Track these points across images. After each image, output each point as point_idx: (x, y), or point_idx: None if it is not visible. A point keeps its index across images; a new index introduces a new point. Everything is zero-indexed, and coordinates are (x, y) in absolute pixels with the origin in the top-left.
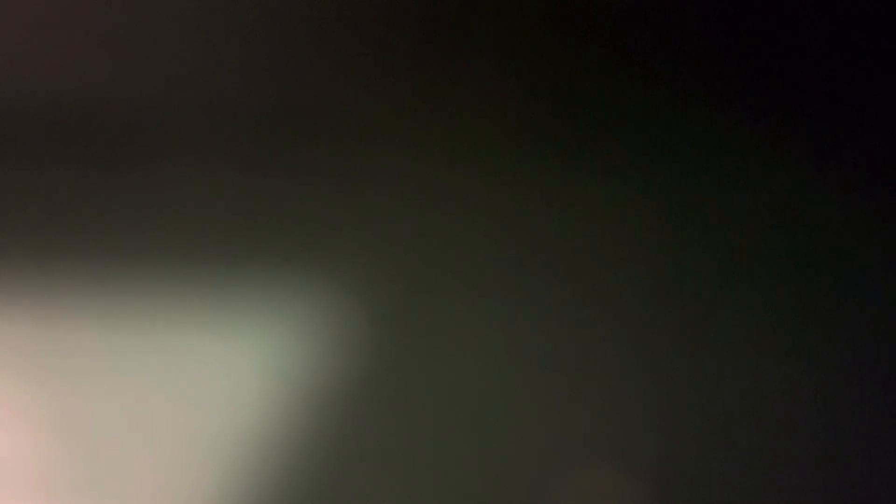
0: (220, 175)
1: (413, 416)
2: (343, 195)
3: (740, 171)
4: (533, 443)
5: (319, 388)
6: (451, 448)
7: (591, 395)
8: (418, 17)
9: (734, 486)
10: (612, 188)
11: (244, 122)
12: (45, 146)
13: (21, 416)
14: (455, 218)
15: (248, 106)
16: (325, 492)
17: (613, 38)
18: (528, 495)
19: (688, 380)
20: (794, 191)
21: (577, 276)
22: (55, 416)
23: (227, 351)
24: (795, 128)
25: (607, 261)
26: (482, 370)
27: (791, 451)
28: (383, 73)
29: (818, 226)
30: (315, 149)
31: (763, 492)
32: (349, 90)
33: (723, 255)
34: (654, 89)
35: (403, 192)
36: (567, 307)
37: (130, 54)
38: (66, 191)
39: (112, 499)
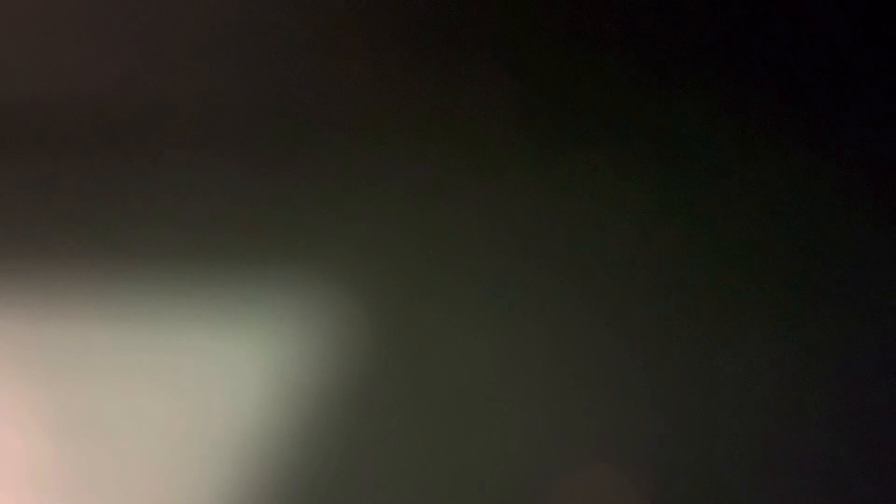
0: (220, 175)
1: (412, 416)
2: (343, 195)
3: (741, 169)
4: (532, 442)
5: (319, 387)
6: (450, 447)
7: (591, 394)
8: (418, 16)
9: (733, 485)
10: (612, 186)
11: (244, 122)
12: (45, 147)
13: (21, 416)
14: (455, 217)
15: (248, 106)
16: (325, 491)
17: (613, 36)
18: (527, 495)
19: (688, 378)
20: (795, 189)
21: (576, 274)
22: (55, 415)
23: (228, 350)
24: (795, 125)
25: (607, 259)
26: (482, 369)
27: (791, 450)
28: (383, 72)
29: (819, 224)
30: (315, 148)
31: (762, 492)
32: (350, 90)
33: (723, 254)
34: (654, 87)
35: (404, 192)
36: (567, 306)
37: (131, 55)
38: (67, 191)
39: (112, 499)
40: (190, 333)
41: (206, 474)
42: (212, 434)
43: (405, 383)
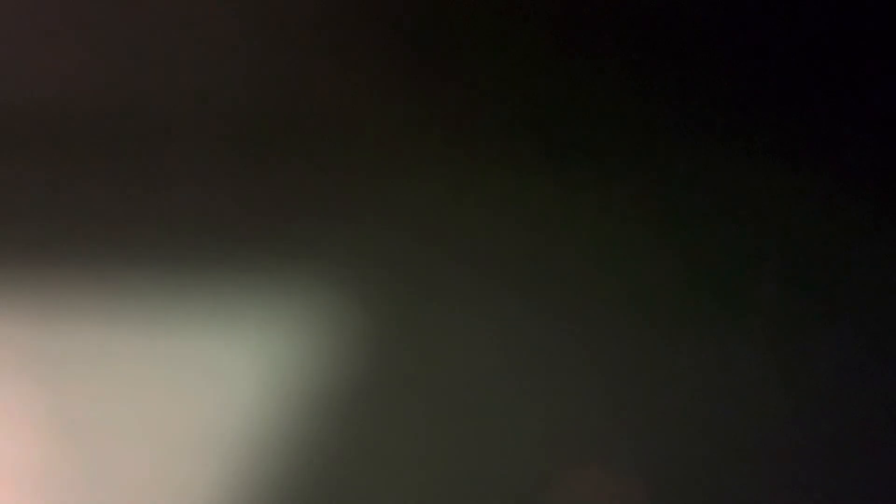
0: (220, 175)
1: (411, 417)
2: (342, 196)
3: (734, 173)
4: (531, 443)
5: (319, 388)
6: (449, 448)
7: (589, 395)
8: (420, 20)
9: (730, 486)
10: (613, 187)
11: (244, 124)
12: (45, 146)
13: (21, 416)
14: (454, 218)
15: (247, 106)
16: (325, 491)
17: (611, 44)
18: (525, 495)
19: (685, 380)
20: (792, 191)
21: (576, 276)
22: (55, 415)
23: (227, 351)
24: (789, 130)
25: (605, 262)
26: (481, 370)
27: (790, 451)
28: (383, 73)
29: (816, 226)
30: (314, 149)
31: (762, 493)
32: (349, 90)
33: (720, 256)
34: (651, 92)
35: (403, 193)
36: (567, 307)
37: (131, 55)
38: (67, 191)
39: (112, 499)
40: (189, 333)
41: (205, 474)
42: (211, 434)
43: (403, 384)
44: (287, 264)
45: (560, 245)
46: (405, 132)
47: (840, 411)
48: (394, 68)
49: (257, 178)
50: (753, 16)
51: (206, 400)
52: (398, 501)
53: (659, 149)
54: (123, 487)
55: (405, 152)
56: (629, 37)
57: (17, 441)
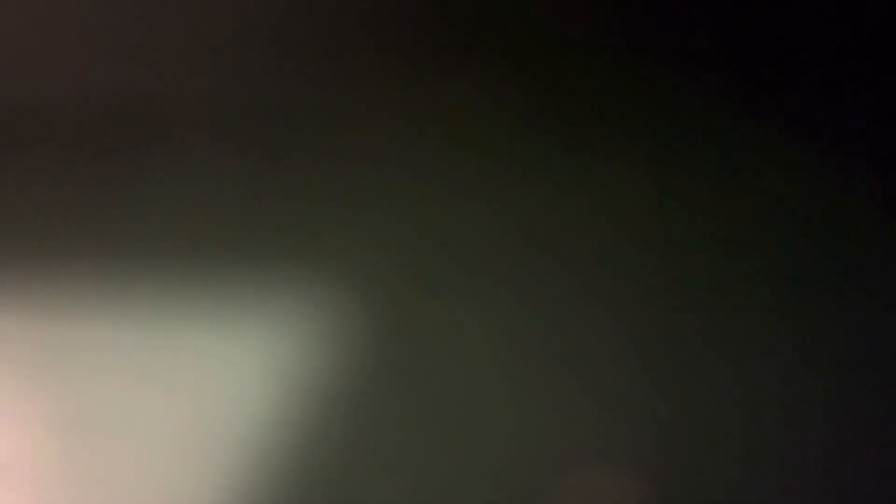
0: (221, 174)
1: (413, 417)
2: (344, 194)
3: (743, 167)
4: (533, 443)
5: (320, 387)
6: (451, 448)
7: (592, 395)
8: (420, 13)
9: (734, 486)
10: (615, 185)
11: (245, 122)
12: (45, 145)
13: (20, 416)
14: (455, 217)
15: (248, 106)
16: (326, 491)
17: (615, 33)
18: (527, 496)
19: (688, 379)
20: (794, 185)
21: (577, 275)
22: (55, 415)
23: (228, 350)
24: (796, 124)
25: (609, 259)
26: (482, 370)
27: (791, 450)
28: (384, 70)
29: (819, 222)
30: (316, 148)
31: (763, 492)
32: (351, 89)
33: (726, 253)
34: (656, 84)
35: (405, 191)
36: (568, 307)
37: (131, 53)
38: (67, 190)
39: (112, 499)
40: (190, 333)
41: (206, 474)
42: (212, 434)
43: (406, 383)
44: (288, 263)
45: (561, 244)
46: (406, 131)
47: (840, 411)
48: (395, 68)
49: (258, 177)
50: (757, 14)
51: (207, 399)
52: (399, 500)
53: (659, 148)
54: (124, 487)
55: (406, 152)
56: (638, 30)
57: (17, 441)
